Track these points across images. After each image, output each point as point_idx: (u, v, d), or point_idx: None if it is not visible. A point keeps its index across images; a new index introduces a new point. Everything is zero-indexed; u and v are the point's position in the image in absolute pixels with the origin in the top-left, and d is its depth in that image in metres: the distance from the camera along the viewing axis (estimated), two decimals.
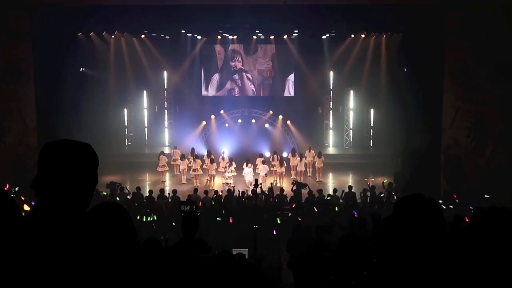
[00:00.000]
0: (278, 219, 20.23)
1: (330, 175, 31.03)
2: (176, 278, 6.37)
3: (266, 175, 28.19)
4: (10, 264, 2.64)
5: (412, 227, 3.36)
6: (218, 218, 20.05)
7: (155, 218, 20.70)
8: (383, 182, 24.36)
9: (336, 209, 21.35)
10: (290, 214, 21.15)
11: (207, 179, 28.66)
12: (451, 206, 20.72)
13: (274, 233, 18.46)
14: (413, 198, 3.48)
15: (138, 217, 19.69)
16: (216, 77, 35.84)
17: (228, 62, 35.61)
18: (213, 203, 21.59)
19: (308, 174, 30.30)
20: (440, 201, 20.68)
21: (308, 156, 30.13)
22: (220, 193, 22.91)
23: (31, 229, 2.72)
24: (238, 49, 35.44)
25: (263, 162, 28.60)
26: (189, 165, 29.12)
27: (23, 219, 2.93)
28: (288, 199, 22.77)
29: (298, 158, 29.65)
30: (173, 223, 18.19)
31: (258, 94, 35.89)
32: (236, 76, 35.74)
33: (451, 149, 25.65)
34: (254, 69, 35.65)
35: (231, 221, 20.00)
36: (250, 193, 22.37)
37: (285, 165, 29.09)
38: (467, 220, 11.21)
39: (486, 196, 20.87)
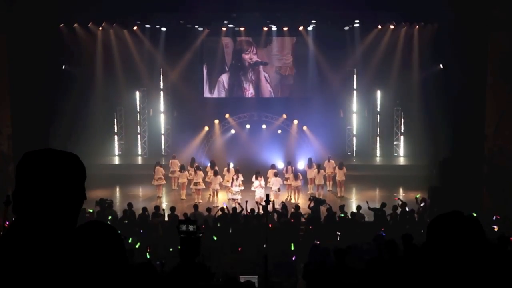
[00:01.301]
0: (292, 245, 20.08)
1: (354, 190, 30.90)
2: None
3: (279, 189, 28.02)
4: None
5: (449, 250, 3.36)
6: (214, 237, 20.01)
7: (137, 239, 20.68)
8: (416, 198, 24.29)
9: None
10: (306, 235, 21.12)
11: (210, 194, 28.58)
12: (495, 226, 20.65)
13: (294, 258, 18.45)
14: (450, 216, 3.48)
15: (130, 240, 19.68)
16: (224, 77, 35.91)
17: (236, 57, 35.70)
18: (218, 224, 21.54)
19: (328, 188, 30.19)
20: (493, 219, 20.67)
21: (327, 167, 29.98)
22: (226, 211, 22.84)
23: (7, 252, 2.73)
24: (248, 42, 35.49)
25: (276, 175, 28.36)
26: (189, 178, 29.05)
27: None
28: (304, 218, 22.76)
29: (316, 170, 29.43)
30: (170, 246, 18.21)
31: (276, 95, 36.01)
32: (249, 74, 35.80)
33: (495, 159, 25.60)
34: (268, 66, 35.79)
35: (238, 246, 19.98)
36: (260, 210, 22.36)
37: (301, 178, 28.87)
38: None
39: None
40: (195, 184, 28.34)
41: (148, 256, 18.39)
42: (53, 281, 2.68)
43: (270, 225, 19.20)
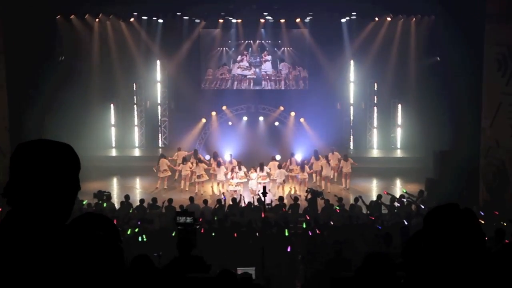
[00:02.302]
0: (286, 230, 19.95)
1: (350, 182, 30.78)
2: None
3: (284, 181, 27.77)
4: None
5: (445, 242, 3.35)
6: (213, 234, 19.94)
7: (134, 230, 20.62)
8: (403, 192, 24.35)
9: None
10: (304, 226, 21.07)
11: (211, 186, 28.51)
12: (492, 219, 20.63)
13: (289, 249, 18.43)
14: (446, 208, 3.47)
15: (129, 231, 19.64)
16: (221, 69, 35.86)
17: (233, 49, 35.71)
18: (215, 217, 21.43)
19: (334, 180, 29.90)
20: (481, 213, 20.67)
21: (332, 160, 29.73)
22: (223, 203, 22.79)
23: (1, 244, 2.72)
24: (245, 34, 35.41)
25: (279, 167, 28.15)
26: (192, 169, 28.96)
27: None
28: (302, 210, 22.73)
29: (324, 161, 29.10)
30: (167, 238, 18.19)
31: (273, 87, 35.97)
32: (246, 65, 35.78)
33: (492, 152, 25.55)
34: (264, 58, 35.75)
35: (235, 238, 19.95)
36: (256, 203, 22.34)
37: (309, 170, 28.78)
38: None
39: None
40: (199, 176, 28.23)
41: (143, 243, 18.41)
42: (48, 273, 2.67)
43: (267, 217, 19.14)
